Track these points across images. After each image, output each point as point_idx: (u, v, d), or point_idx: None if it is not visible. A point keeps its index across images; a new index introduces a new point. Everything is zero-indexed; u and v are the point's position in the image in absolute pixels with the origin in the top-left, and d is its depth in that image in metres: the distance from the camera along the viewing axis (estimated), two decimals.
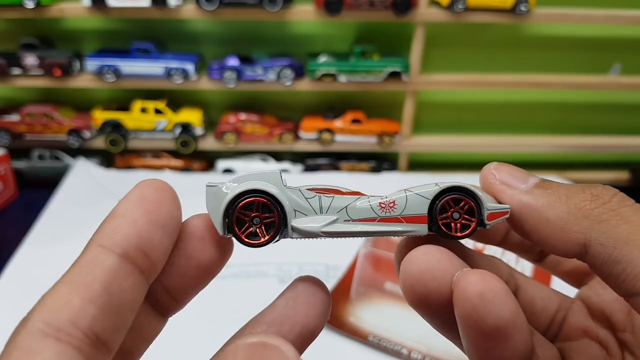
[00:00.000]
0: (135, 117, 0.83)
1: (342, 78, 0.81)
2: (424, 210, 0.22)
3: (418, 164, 0.93)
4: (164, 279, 0.20)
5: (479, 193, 0.21)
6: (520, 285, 0.25)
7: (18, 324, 0.17)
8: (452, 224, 0.21)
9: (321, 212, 0.22)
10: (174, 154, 0.88)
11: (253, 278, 0.60)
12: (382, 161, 0.91)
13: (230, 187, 0.21)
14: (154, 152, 0.88)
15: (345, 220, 0.22)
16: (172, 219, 0.19)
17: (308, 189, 0.23)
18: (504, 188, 0.21)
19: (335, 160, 0.89)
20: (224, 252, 0.21)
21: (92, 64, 0.79)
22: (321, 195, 0.23)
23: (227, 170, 0.87)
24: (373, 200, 0.23)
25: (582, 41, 0.87)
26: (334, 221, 0.22)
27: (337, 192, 0.23)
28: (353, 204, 0.23)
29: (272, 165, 0.87)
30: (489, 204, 0.21)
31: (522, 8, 0.77)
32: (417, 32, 0.79)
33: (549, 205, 0.20)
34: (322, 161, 0.88)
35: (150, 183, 0.19)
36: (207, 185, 0.22)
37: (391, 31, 0.84)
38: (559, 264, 0.26)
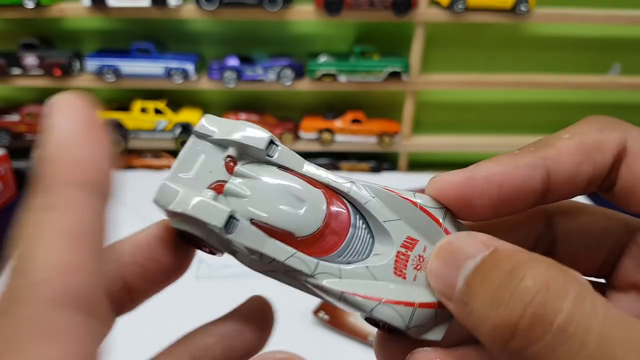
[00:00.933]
0: (135, 117, 0.83)
1: (342, 78, 0.81)
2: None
3: (418, 164, 0.93)
4: (129, 278, 0.19)
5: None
6: (558, 235, 0.23)
7: (6, 289, 0.14)
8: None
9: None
10: (174, 154, 0.88)
11: (253, 278, 0.60)
12: (382, 161, 0.91)
13: (185, 196, 0.19)
14: (154, 152, 0.88)
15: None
16: (110, 144, 0.16)
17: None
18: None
19: (335, 160, 0.89)
20: (188, 257, 0.20)
21: (92, 64, 0.79)
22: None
23: None
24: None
25: (582, 41, 0.87)
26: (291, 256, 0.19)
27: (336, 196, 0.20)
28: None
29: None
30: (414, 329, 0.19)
31: (522, 8, 0.77)
32: (417, 32, 0.79)
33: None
34: (322, 161, 0.88)
35: (82, 102, 0.16)
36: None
37: (391, 31, 0.84)
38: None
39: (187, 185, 0.20)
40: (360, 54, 0.81)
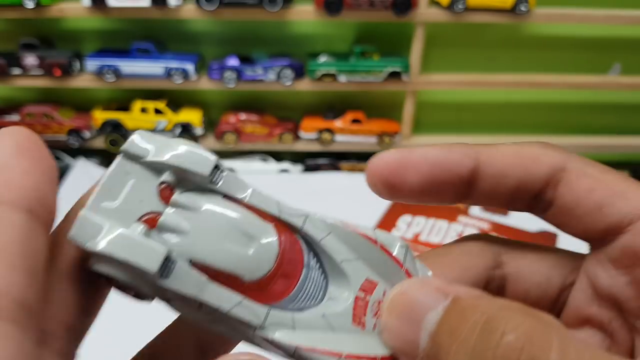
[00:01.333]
0: (135, 117, 0.83)
1: (342, 78, 0.81)
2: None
3: None
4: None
5: None
6: (509, 274, 0.22)
7: None
8: None
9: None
10: None
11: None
12: None
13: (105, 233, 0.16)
14: None
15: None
16: (55, 170, 0.16)
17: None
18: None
19: (335, 160, 0.89)
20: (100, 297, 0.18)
21: (92, 64, 0.79)
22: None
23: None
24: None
25: (582, 41, 0.87)
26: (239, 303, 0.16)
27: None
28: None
29: (270, 166, 0.86)
30: None
31: (522, 8, 0.77)
32: (417, 32, 0.79)
33: None
34: (322, 161, 0.88)
35: (20, 131, 0.16)
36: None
37: (391, 31, 0.84)
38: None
39: (111, 217, 0.16)
40: (360, 54, 0.81)
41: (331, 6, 0.76)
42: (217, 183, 0.17)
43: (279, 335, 0.17)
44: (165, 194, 0.17)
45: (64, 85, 0.81)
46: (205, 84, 0.82)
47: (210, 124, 0.89)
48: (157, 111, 0.83)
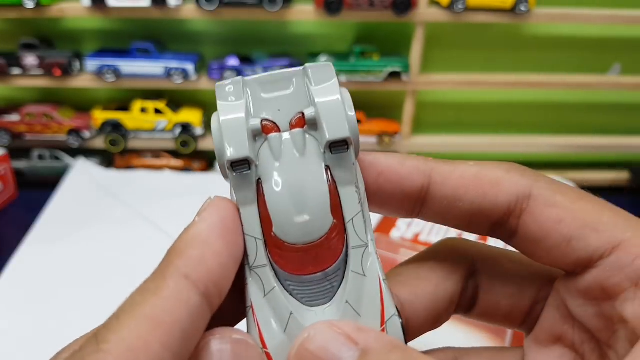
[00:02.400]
0: (135, 117, 0.83)
1: (342, 78, 0.81)
2: None
3: None
4: None
5: None
6: (482, 283, 0.22)
7: (78, 349, 0.15)
8: None
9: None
10: (174, 154, 0.87)
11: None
12: None
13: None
14: (154, 152, 0.88)
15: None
16: (241, 252, 0.17)
17: None
18: None
19: None
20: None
21: (92, 64, 0.79)
22: None
23: None
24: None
25: (582, 41, 0.87)
26: None
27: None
28: None
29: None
30: None
31: (522, 8, 0.77)
32: (417, 32, 0.79)
33: None
34: None
35: (228, 207, 0.17)
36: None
37: (391, 31, 0.84)
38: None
39: (253, 99, 0.18)
40: (360, 54, 0.81)
41: (331, 6, 0.76)
42: (332, 153, 0.18)
43: (249, 284, 0.18)
44: (297, 122, 0.18)
45: (64, 85, 0.81)
46: (205, 84, 0.82)
47: (210, 124, 0.89)
48: (157, 111, 0.83)
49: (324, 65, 0.18)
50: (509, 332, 0.46)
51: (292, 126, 0.18)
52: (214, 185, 0.81)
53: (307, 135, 0.18)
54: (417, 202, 0.20)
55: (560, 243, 0.18)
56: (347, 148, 0.18)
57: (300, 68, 0.19)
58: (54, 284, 0.59)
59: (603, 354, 0.19)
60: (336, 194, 0.18)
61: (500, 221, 0.20)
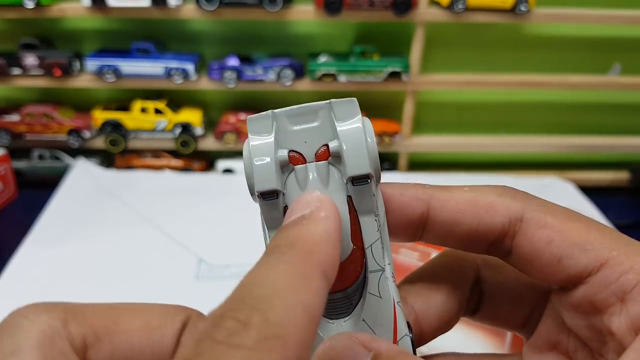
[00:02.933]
0: (135, 117, 0.83)
1: (342, 78, 0.81)
2: None
3: (418, 164, 0.93)
4: None
5: None
6: (486, 290, 0.23)
7: (240, 319, 0.14)
8: None
9: None
10: (174, 154, 0.88)
11: None
12: (382, 161, 0.90)
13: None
14: (154, 152, 0.88)
15: None
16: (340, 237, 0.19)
17: None
18: None
19: None
20: None
21: (92, 64, 0.79)
22: None
23: (227, 170, 0.87)
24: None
25: (582, 41, 0.87)
26: None
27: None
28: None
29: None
30: None
31: (522, 8, 0.77)
32: (417, 32, 0.79)
33: None
34: None
35: (335, 212, 0.18)
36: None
37: (391, 31, 0.84)
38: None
39: (279, 131, 0.19)
40: (360, 54, 0.81)
41: (331, 6, 0.76)
42: (354, 185, 0.19)
43: None
44: (322, 153, 0.20)
45: (64, 85, 0.81)
46: (205, 84, 0.82)
47: (210, 124, 0.89)
48: (157, 111, 0.83)
49: (348, 101, 0.20)
50: (509, 334, 0.46)
51: (317, 157, 0.20)
52: (214, 185, 0.81)
53: (331, 167, 0.20)
54: (419, 228, 0.22)
55: (551, 262, 0.20)
56: (368, 181, 0.19)
57: (326, 102, 0.20)
58: (54, 284, 0.59)
59: None
60: (357, 222, 0.20)
61: (496, 242, 0.21)
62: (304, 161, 0.20)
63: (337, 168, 0.20)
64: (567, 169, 0.92)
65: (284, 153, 0.19)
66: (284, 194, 0.19)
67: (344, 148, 0.19)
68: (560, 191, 0.83)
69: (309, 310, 0.15)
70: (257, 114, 0.20)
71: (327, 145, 0.20)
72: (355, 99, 0.20)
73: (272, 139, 0.19)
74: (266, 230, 0.20)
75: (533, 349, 0.22)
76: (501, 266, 0.23)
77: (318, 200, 0.18)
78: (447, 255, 0.24)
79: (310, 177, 0.19)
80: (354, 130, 0.19)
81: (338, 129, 0.19)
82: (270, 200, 0.19)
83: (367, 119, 0.20)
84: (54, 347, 0.15)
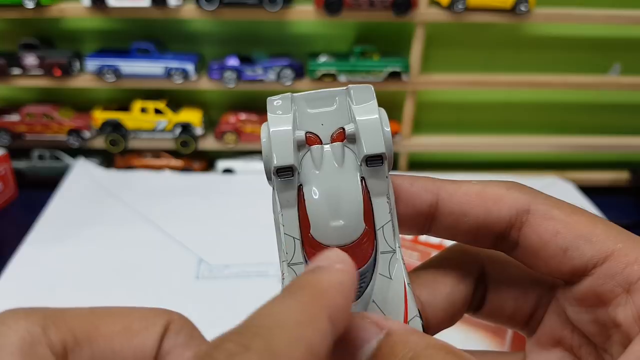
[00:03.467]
0: (135, 117, 0.83)
1: (342, 78, 0.81)
2: None
3: (418, 164, 0.93)
4: None
5: None
6: (490, 285, 0.24)
7: (221, 341, 0.14)
8: None
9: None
10: (174, 154, 0.88)
11: (253, 278, 0.60)
12: None
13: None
14: (154, 152, 0.88)
15: None
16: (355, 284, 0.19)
17: None
18: None
19: None
20: None
21: (92, 64, 0.79)
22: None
23: (227, 170, 0.87)
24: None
25: (582, 41, 0.87)
26: None
27: None
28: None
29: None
30: None
31: (522, 8, 0.77)
32: (417, 32, 0.79)
33: None
34: None
35: (353, 264, 0.18)
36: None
37: (391, 31, 0.84)
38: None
39: (299, 113, 0.20)
40: (360, 54, 0.81)
41: (331, 6, 0.76)
42: (368, 166, 0.20)
43: (285, 279, 0.20)
44: (338, 136, 0.20)
45: (64, 85, 0.81)
46: (205, 84, 0.82)
47: (210, 124, 0.89)
48: (157, 111, 0.83)
49: (364, 87, 0.21)
50: (509, 333, 0.46)
51: (332, 140, 0.20)
52: (214, 185, 0.81)
53: (346, 149, 0.20)
54: (427, 219, 0.22)
55: (557, 253, 0.20)
56: (382, 162, 0.20)
57: (344, 88, 0.21)
58: (54, 284, 0.59)
59: (599, 356, 0.21)
60: (369, 203, 0.20)
61: (503, 234, 0.21)
62: (320, 142, 0.20)
63: (352, 150, 0.20)
64: (567, 169, 0.92)
65: (301, 134, 0.20)
66: (299, 173, 0.20)
67: (360, 129, 0.20)
68: (560, 191, 0.83)
69: (313, 349, 0.15)
70: (277, 96, 0.21)
71: (343, 128, 0.20)
72: (371, 85, 0.21)
73: (291, 118, 0.20)
74: (279, 210, 0.20)
75: (537, 345, 0.23)
76: (506, 262, 0.23)
77: (337, 256, 0.18)
78: (453, 249, 0.24)
79: (326, 157, 0.20)
80: (370, 112, 0.20)
81: (354, 111, 0.20)
82: (286, 178, 0.19)
83: (382, 109, 0.21)
84: (34, 354, 0.15)
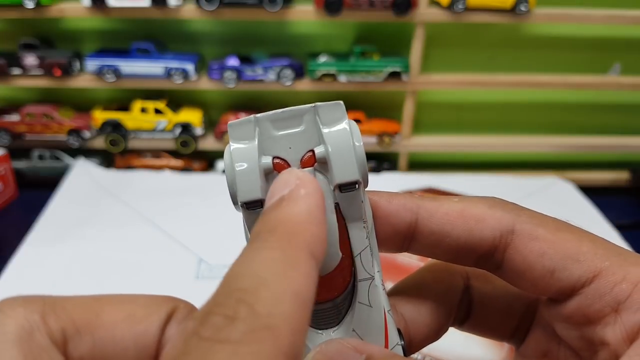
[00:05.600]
0: (135, 117, 0.83)
1: (342, 78, 0.81)
2: None
3: (418, 164, 0.93)
4: None
5: None
6: (475, 298, 0.23)
7: (228, 315, 0.14)
8: None
9: None
10: (174, 154, 0.88)
11: None
12: (382, 161, 0.91)
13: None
14: (154, 152, 0.88)
15: None
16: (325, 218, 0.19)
17: None
18: None
19: None
20: None
21: (92, 64, 0.79)
22: None
23: None
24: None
25: (582, 41, 0.87)
26: None
27: None
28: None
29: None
30: None
31: (522, 8, 0.77)
32: (417, 32, 0.79)
33: None
34: None
35: (317, 192, 0.17)
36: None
37: (391, 31, 0.84)
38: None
39: (263, 137, 0.19)
40: (360, 54, 0.81)
41: (331, 6, 0.76)
42: (342, 192, 0.18)
43: None
44: (308, 159, 0.19)
45: (64, 85, 0.81)
46: (205, 84, 0.82)
47: (210, 124, 0.89)
48: (157, 111, 0.83)
49: (334, 104, 0.19)
50: None
51: (302, 164, 0.19)
52: (214, 185, 0.81)
53: (317, 174, 0.19)
54: (406, 238, 0.21)
55: (544, 275, 0.20)
56: (356, 187, 0.18)
57: (311, 105, 0.19)
58: (54, 284, 0.59)
59: None
60: (344, 230, 0.19)
61: (486, 255, 0.21)
62: (284, 167, 0.19)
63: (324, 175, 0.19)
64: (567, 169, 0.92)
65: (267, 160, 0.19)
66: None
67: (331, 154, 0.18)
68: (560, 191, 0.83)
69: (299, 296, 0.14)
70: (239, 120, 0.20)
71: (312, 150, 0.19)
72: (341, 102, 0.19)
73: (255, 145, 0.18)
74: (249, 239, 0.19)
75: (523, 358, 0.22)
76: (490, 276, 0.23)
77: (297, 178, 0.17)
78: (437, 264, 0.24)
79: None
80: (340, 134, 0.18)
81: (324, 133, 0.19)
82: (255, 210, 0.18)
83: (353, 122, 0.19)
84: (33, 342, 0.15)
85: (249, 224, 0.19)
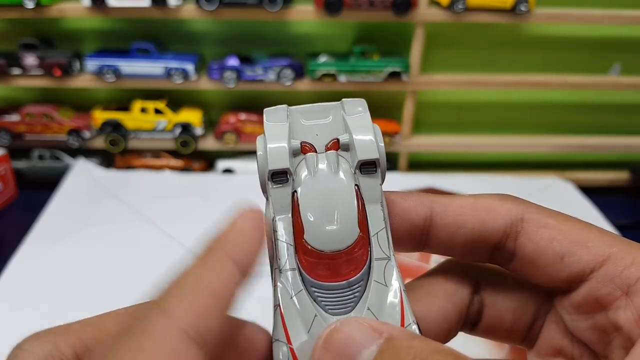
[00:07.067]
0: (135, 117, 0.83)
1: (342, 78, 0.81)
2: None
3: (418, 164, 0.93)
4: None
5: None
6: (486, 299, 0.23)
7: (142, 304, 0.17)
8: None
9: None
10: (174, 154, 0.88)
11: (253, 277, 0.60)
12: None
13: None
14: (154, 152, 0.88)
15: None
16: (263, 239, 0.20)
17: None
18: None
19: None
20: None
21: (92, 64, 0.79)
22: None
23: (227, 170, 0.87)
24: None
25: (582, 41, 0.87)
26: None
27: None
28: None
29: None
30: None
31: (522, 8, 0.77)
32: (417, 32, 0.79)
33: None
34: None
35: (259, 214, 0.19)
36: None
37: (391, 31, 0.84)
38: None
39: (293, 121, 0.21)
40: (360, 54, 0.81)
41: (331, 6, 0.76)
42: (362, 174, 0.20)
43: (279, 285, 0.20)
44: (332, 145, 0.21)
45: (64, 85, 0.81)
46: (205, 84, 0.82)
47: (210, 124, 0.89)
48: (157, 111, 0.83)
49: (358, 100, 0.22)
50: None
51: (327, 149, 0.21)
52: (214, 185, 0.81)
53: (340, 157, 0.20)
54: (423, 233, 0.22)
55: (554, 260, 0.20)
56: (375, 169, 0.20)
57: (338, 102, 0.22)
58: (54, 284, 0.59)
59: None
60: (363, 210, 0.20)
61: (499, 244, 0.21)
62: (315, 151, 0.21)
63: (346, 158, 0.20)
64: (567, 169, 0.92)
65: (296, 142, 0.20)
66: (293, 179, 0.20)
67: (354, 137, 0.20)
68: (560, 191, 0.83)
69: (206, 287, 0.16)
70: (274, 107, 0.21)
71: (337, 138, 0.21)
72: (363, 99, 0.22)
73: (287, 125, 0.20)
74: (273, 215, 0.20)
75: (537, 356, 0.22)
76: (501, 275, 0.23)
77: (242, 210, 0.19)
78: (447, 264, 0.24)
79: (320, 163, 0.20)
80: (363, 121, 0.20)
81: (348, 121, 0.20)
82: (280, 185, 0.20)
83: (377, 125, 0.21)
84: None
85: (274, 197, 0.20)
